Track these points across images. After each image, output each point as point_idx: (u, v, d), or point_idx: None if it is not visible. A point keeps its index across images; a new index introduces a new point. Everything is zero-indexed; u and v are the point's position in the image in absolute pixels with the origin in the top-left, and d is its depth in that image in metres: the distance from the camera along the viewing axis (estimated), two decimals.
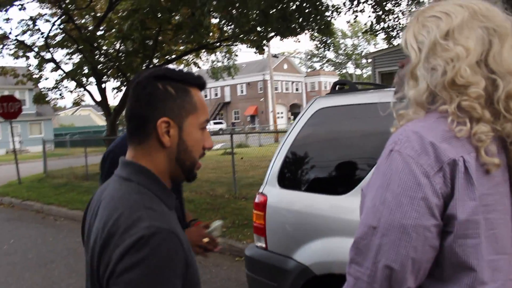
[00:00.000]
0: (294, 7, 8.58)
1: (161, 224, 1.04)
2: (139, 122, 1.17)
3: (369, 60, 17.37)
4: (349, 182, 2.67)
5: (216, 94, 65.00)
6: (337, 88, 3.06)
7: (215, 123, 51.72)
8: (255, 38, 10.75)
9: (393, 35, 11.26)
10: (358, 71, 68.94)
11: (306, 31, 9.95)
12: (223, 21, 8.55)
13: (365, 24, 11.08)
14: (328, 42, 11.01)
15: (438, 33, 1.10)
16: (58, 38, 15.32)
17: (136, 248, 0.99)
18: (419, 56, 1.12)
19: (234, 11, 7.82)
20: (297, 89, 63.56)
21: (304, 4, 8.54)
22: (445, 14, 1.11)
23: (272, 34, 9.14)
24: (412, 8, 10.85)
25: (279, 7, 7.86)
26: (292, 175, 3.01)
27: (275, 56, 29.55)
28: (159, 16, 11.40)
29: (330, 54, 68.78)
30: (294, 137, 2.97)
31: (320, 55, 68.11)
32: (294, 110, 63.06)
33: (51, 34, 14.98)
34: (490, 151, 1.05)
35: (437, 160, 1.02)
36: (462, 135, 1.05)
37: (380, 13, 10.82)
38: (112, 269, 1.02)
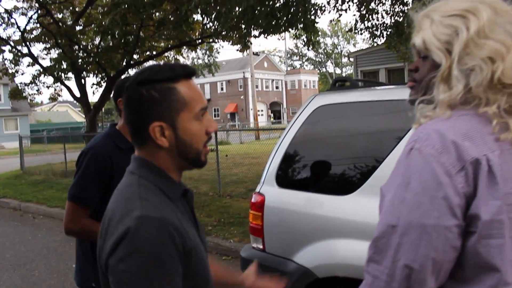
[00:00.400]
0: (278, 4, 8.50)
1: (153, 213, 1.06)
2: (135, 130, 1.20)
3: (351, 59, 17.44)
4: (352, 182, 2.60)
5: None
6: (337, 85, 2.99)
7: None
8: (238, 35, 10.63)
9: (377, 34, 11.27)
10: (338, 70, 69.54)
11: (290, 29, 9.89)
12: (208, 17, 8.42)
13: (345, 24, 11.06)
14: (313, 40, 10.93)
15: (471, 32, 1.06)
16: (36, 32, 14.99)
17: (128, 238, 1.03)
18: (449, 58, 1.08)
19: (219, 7, 7.72)
20: (277, 87, 63.62)
21: (290, 3, 8.48)
22: (469, 12, 1.08)
23: (259, 31, 9.04)
24: (395, 8, 10.88)
25: (267, 3, 7.77)
26: (291, 174, 2.92)
27: (256, 54, 29.51)
28: (141, 11, 11.19)
29: (310, 53, 69.25)
30: (292, 135, 2.89)
31: (300, 54, 68.49)
32: (274, 108, 63.17)
33: (28, 28, 14.64)
34: None
35: (459, 159, 0.99)
36: (506, 138, 1.03)
37: (364, 12, 10.83)
38: (107, 257, 1.06)
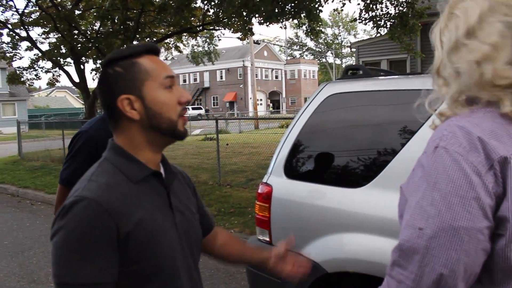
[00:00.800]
0: None
1: (88, 194, 1.12)
2: (108, 110, 1.24)
3: (353, 49, 17.29)
4: (364, 174, 2.51)
5: (195, 79, 64.49)
6: (349, 73, 2.89)
7: (193, 109, 51.12)
8: (241, 22, 10.48)
9: (381, 25, 11.14)
10: (338, 61, 69.32)
11: (295, 18, 9.74)
12: (211, 3, 8.25)
13: (346, 14, 10.87)
14: (316, 29, 10.78)
15: (459, 32, 1.03)
16: (34, 16, 14.78)
17: (61, 215, 1.12)
18: (441, 54, 1.06)
19: None
20: (276, 77, 63.45)
21: None
22: (463, 11, 1.04)
23: (262, 18, 8.90)
24: None
25: None
26: (300, 165, 2.83)
27: (257, 42, 29.32)
28: None
29: (310, 43, 69.02)
30: (302, 124, 2.79)
31: (300, 43, 68.21)
32: (273, 98, 63.03)
33: (27, 11, 14.44)
34: None
35: (487, 158, 0.93)
36: None
37: (368, 1, 10.69)
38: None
